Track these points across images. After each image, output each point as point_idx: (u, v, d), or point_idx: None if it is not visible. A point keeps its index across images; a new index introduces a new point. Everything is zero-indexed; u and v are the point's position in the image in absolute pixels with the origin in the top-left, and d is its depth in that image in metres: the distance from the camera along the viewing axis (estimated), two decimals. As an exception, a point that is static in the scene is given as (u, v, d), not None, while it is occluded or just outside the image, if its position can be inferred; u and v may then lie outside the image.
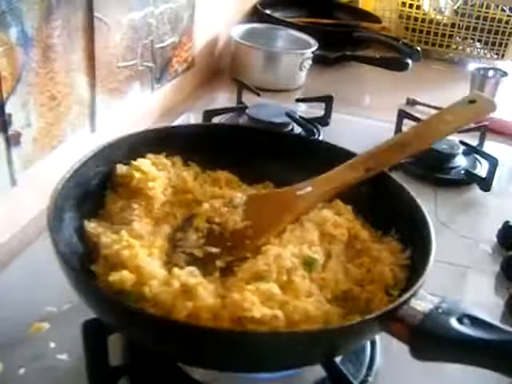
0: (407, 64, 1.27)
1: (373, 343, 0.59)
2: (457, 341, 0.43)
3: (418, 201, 0.58)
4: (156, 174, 0.61)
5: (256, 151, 0.68)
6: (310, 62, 1.25)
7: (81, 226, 0.56)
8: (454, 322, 0.43)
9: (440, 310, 0.45)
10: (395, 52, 1.39)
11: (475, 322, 0.43)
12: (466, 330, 0.43)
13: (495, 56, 1.56)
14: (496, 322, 0.44)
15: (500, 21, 1.50)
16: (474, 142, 1.03)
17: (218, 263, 0.54)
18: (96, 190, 0.59)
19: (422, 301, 0.46)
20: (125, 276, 0.48)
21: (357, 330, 0.46)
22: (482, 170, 0.98)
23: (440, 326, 0.43)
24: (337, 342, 0.46)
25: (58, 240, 0.50)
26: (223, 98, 1.16)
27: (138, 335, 0.49)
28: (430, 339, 0.44)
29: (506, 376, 0.43)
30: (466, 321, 0.43)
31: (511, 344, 0.42)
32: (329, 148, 0.68)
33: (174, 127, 0.82)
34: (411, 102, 1.24)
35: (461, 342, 0.43)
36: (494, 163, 0.92)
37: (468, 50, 1.58)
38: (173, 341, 0.45)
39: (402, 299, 0.46)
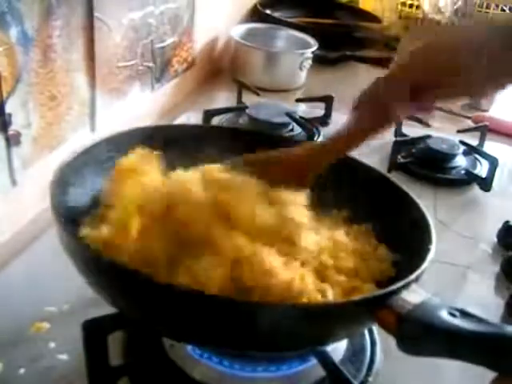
0: (407, 64, 1.27)
1: (373, 343, 0.59)
2: (445, 331, 0.42)
3: (418, 201, 0.58)
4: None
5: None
6: (310, 61, 1.25)
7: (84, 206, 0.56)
8: (444, 314, 0.42)
9: (431, 302, 0.44)
10: (395, 52, 1.39)
11: (466, 315, 0.43)
12: (456, 321, 0.42)
13: (495, 56, 1.56)
14: (488, 319, 0.43)
15: (500, 21, 1.50)
16: (474, 142, 1.03)
17: None
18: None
19: (414, 293, 0.45)
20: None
21: (342, 311, 0.45)
22: (482, 169, 0.98)
23: (429, 316, 0.42)
24: (322, 323, 0.45)
25: (56, 196, 0.51)
26: (223, 98, 1.16)
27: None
28: (418, 328, 0.42)
29: (493, 371, 0.42)
30: (456, 314, 0.42)
31: (502, 338, 0.41)
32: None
33: (189, 126, 0.81)
34: (411, 102, 1.23)
35: (450, 333, 0.42)
36: (494, 163, 0.93)
37: (468, 49, 1.58)
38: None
39: (391, 287, 0.46)
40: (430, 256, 0.50)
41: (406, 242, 0.57)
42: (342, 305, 0.46)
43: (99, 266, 0.46)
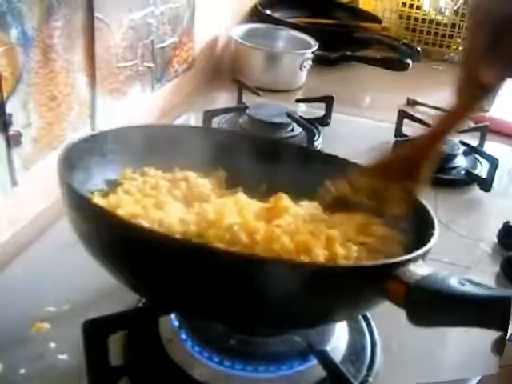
0: (407, 64, 1.27)
1: (373, 344, 0.59)
2: (456, 297, 0.41)
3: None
4: None
5: (253, 157, 0.67)
6: (310, 62, 1.25)
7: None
8: (453, 282, 0.42)
9: (439, 274, 0.43)
10: (395, 52, 1.39)
11: (476, 284, 0.42)
12: (467, 288, 0.41)
13: (495, 56, 1.56)
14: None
15: (500, 21, 1.50)
16: (474, 142, 1.03)
17: None
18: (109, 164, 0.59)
19: (421, 267, 0.45)
20: None
21: (350, 275, 0.43)
22: (482, 170, 0.98)
23: (438, 284, 0.42)
24: (328, 288, 0.43)
25: (65, 167, 0.50)
26: (223, 98, 1.16)
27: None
28: (427, 297, 0.42)
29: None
30: (466, 283, 0.42)
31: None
32: (324, 157, 0.67)
33: (195, 128, 0.81)
34: (411, 102, 1.24)
35: (460, 299, 0.41)
36: (494, 163, 0.93)
37: (468, 50, 1.58)
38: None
39: (399, 258, 0.45)
40: (434, 239, 0.50)
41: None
42: (351, 269, 0.44)
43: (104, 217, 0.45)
